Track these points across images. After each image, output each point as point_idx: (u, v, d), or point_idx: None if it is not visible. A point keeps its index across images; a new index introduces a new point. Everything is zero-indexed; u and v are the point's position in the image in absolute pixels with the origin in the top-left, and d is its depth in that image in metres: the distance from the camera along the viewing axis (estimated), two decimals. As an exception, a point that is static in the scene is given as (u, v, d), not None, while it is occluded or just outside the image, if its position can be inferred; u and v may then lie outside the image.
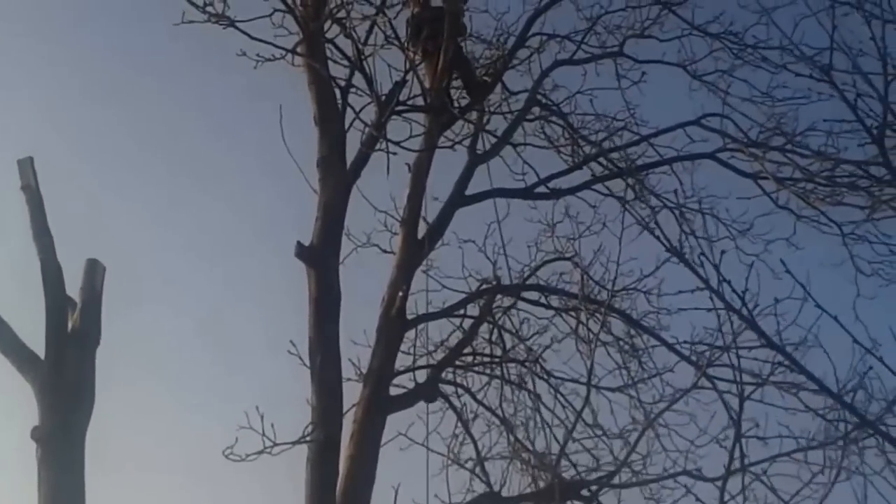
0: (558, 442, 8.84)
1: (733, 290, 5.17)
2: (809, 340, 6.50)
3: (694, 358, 9.04)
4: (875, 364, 5.29)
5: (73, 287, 7.37)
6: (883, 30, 5.95)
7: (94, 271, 7.51)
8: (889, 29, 6.30)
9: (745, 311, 5.18)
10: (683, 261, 5.37)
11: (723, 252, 5.21)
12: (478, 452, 9.12)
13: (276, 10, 8.90)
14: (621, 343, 9.57)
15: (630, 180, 9.77)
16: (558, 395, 9.33)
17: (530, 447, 9.04)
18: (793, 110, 9.78)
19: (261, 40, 8.75)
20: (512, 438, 9.26)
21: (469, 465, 9.07)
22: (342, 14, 9.12)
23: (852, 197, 9.35)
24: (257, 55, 8.81)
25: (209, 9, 8.58)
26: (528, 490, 8.72)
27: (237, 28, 8.66)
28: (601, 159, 10.04)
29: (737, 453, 5.91)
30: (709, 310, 7.50)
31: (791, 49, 8.95)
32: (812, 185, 9.44)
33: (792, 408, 8.43)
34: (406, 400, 8.65)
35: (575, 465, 8.96)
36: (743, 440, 6.05)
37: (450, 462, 8.92)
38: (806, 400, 8.35)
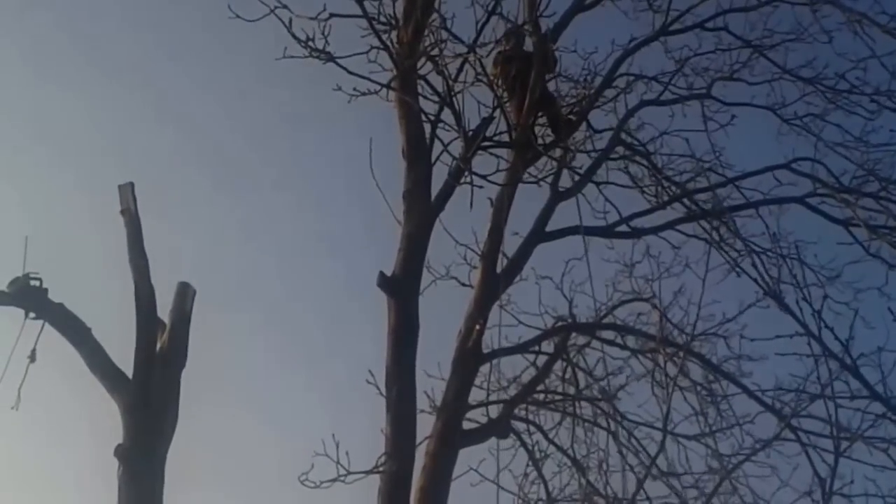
0: (632, 488, 8.92)
1: (836, 337, 5.27)
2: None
3: (778, 407, 9.09)
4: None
5: (165, 309, 7.88)
6: None
7: (185, 294, 8.03)
8: None
9: (847, 359, 5.21)
10: (781, 304, 5.42)
11: (825, 297, 5.31)
12: (548, 493, 9.38)
13: (372, 48, 9.38)
14: (699, 388, 9.60)
15: (715, 222, 9.99)
16: (632, 439, 9.48)
17: (602, 491, 9.19)
18: (888, 156, 9.93)
19: (358, 75, 9.24)
20: (583, 481, 9.41)
21: (539, 505, 9.21)
22: (435, 52, 9.53)
23: None
24: (354, 89, 9.33)
25: (311, 44, 9.07)
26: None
27: (336, 63, 9.16)
28: (685, 200, 10.22)
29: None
30: (802, 355, 7.33)
31: (888, 97, 9.74)
32: None
33: (881, 465, 8.25)
34: (478, 435, 8.96)
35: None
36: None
37: (520, 501, 9.16)
38: (896, 456, 8.33)
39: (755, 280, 5.94)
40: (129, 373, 7.73)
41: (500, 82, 9.87)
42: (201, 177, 15.38)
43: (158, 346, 7.85)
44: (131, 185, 8.05)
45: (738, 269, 9.58)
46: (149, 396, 7.66)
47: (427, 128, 9.45)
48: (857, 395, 7.10)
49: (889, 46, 9.63)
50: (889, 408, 5.95)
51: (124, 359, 7.75)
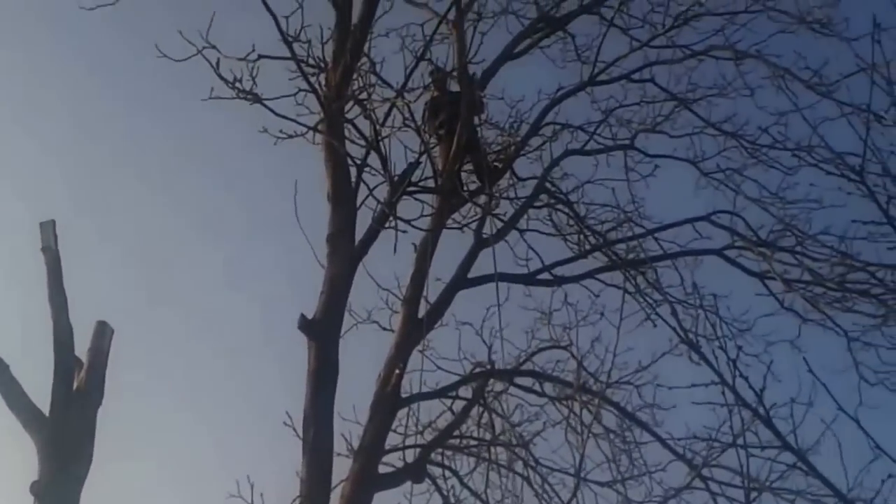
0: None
1: (750, 387, 5.22)
2: (818, 444, 6.21)
3: (689, 456, 9.36)
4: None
5: (83, 347, 7.99)
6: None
7: (103, 333, 8.10)
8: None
9: (761, 410, 5.20)
10: (697, 351, 5.45)
11: (740, 347, 5.31)
12: None
13: (300, 90, 9.56)
14: (612, 436, 9.84)
15: (633, 272, 10.30)
16: (546, 485, 9.70)
17: None
18: (804, 212, 10.27)
19: (285, 117, 9.39)
20: None
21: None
22: (363, 96, 9.71)
23: (863, 304, 9.72)
24: (280, 131, 9.46)
25: (238, 85, 9.20)
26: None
27: (263, 105, 9.30)
28: (605, 250, 10.59)
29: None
30: (716, 405, 7.19)
31: (807, 152, 10.00)
32: (822, 290, 9.83)
33: None
34: (394, 479, 9.14)
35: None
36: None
37: None
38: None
39: (672, 328, 6.19)
40: (46, 410, 7.78)
41: (427, 128, 10.17)
42: (122, 216, 15.50)
43: (76, 384, 7.89)
44: (53, 222, 8.12)
45: (653, 317, 9.84)
46: (65, 434, 7.68)
47: (353, 172, 9.58)
48: (767, 446, 6.91)
49: (810, 101, 9.92)
50: (800, 458, 5.64)
51: (41, 396, 7.80)
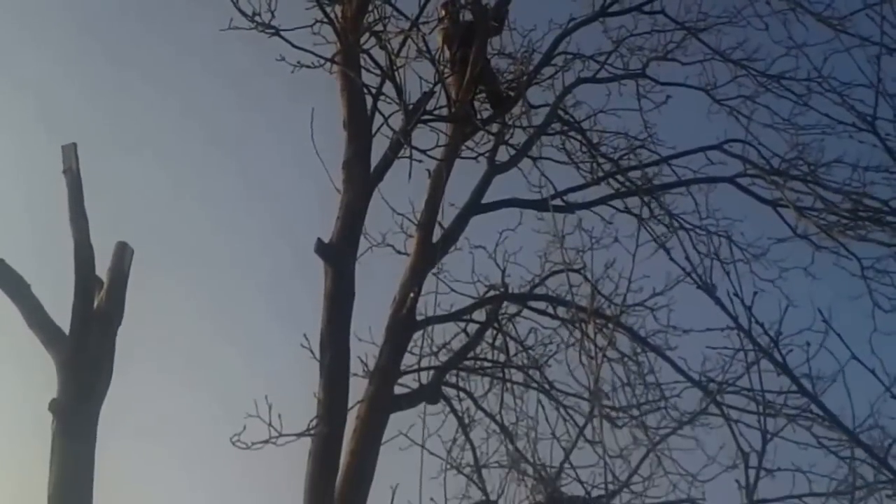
0: (559, 456, 9.25)
1: (766, 333, 5.29)
2: (831, 377, 6.18)
3: (704, 382, 9.33)
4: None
5: (103, 268, 8.08)
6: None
7: (123, 254, 8.22)
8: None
9: (777, 355, 5.29)
10: (713, 297, 5.36)
11: (755, 293, 5.26)
12: (476, 459, 9.58)
13: (317, 21, 9.65)
14: (626, 360, 9.78)
15: (646, 198, 10.33)
16: (560, 409, 9.75)
17: (530, 459, 9.35)
18: (818, 140, 10.18)
19: (303, 48, 9.50)
20: (511, 447, 9.60)
21: (467, 471, 9.53)
22: (379, 27, 9.84)
23: (876, 232, 9.68)
24: (297, 62, 9.57)
25: (257, 18, 9.33)
26: (526, 502, 9.00)
27: (282, 37, 9.42)
28: (618, 177, 10.60)
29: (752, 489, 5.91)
30: (732, 349, 7.74)
31: (819, 82, 9.73)
32: (834, 218, 9.80)
33: (804, 443, 8.63)
34: (409, 400, 9.21)
35: (578, 481, 9.22)
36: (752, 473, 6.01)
37: (448, 466, 9.35)
38: (820, 435, 8.59)
39: (686, 271, 6.02)
40: (67, 329, 7.86)
41: (442, 57, 10.17)
42: (142, 140, 15.43)
43: (95, 303, 7.98)
44: (74, 145, 8.20)
45: (665, 247, 9.63)
46: (84, 353, 7.77)
47: (368, 101, 9.67)
48: (782, 374, 7.29)
49: (824, 35, 9.67)
50: (813, 401, 5.85)
51: (62, 315, 7.90)
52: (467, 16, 10.52)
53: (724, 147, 10.45)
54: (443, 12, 10.51)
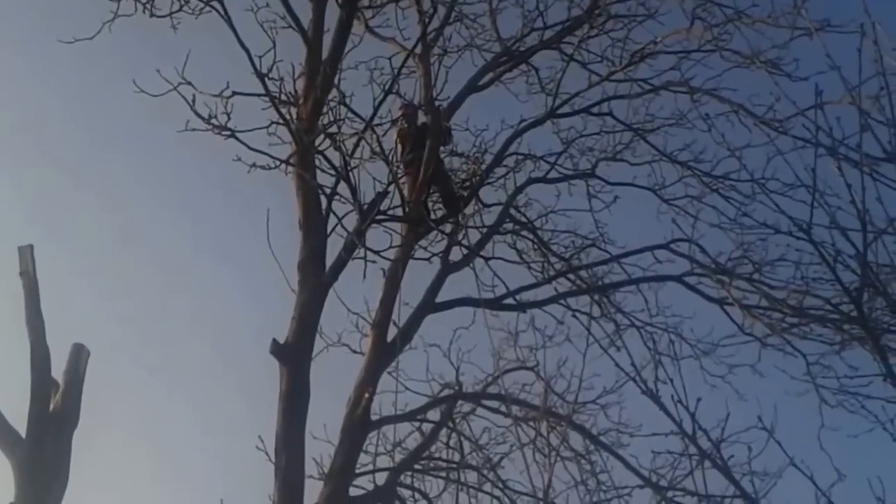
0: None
1: (709, 440, 5.27)
2: (775, 474, 6.21)
3: (655, 479, 9.38)
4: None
5: (59, 370, 8.10)
6: (862, 180, 5.65)
7: (79, 356, 8.25)
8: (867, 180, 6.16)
9: (718, 459, 5.26)
10: (658, 403, 5.38)
11: (698, 399, 5.25)
12: None
13: (273, 122, 9.76)
14: (579, 459, 9.79)
15: (597, 297, 10.45)
16: None
17: None
18: (761, 239, 10.09)
19: (258, 151, 9.61)
20: None
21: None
22: (334, 129, 9.92)
23: (820, 329, 9.75)
24: (253, 163, 9.66)
25: (213, 121, 9.43)
26: None
27: (237, 139, 9.51)
28: (570, 275, 10.76)
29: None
30: (676, 454, 7.84)
31: (762, 184, 9.43)
32: (780, 315, 9.90)
33: None
34: (364, 502, 9.26)
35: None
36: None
37: None
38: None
39: (630, 377, 6.12)
40: (23, 432, 7.85)
41: (396, 158, 10.34)
42: (100, 237, 15.83)
43: (52, 405, 7.99)
44: (31, 247, 8.27)
45: (609, 353, 9.68)
46: (41, 455, 7.77)
47: (323, 201, 9.76)
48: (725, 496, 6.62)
49: (765, 137, 9.92)
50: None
51: (18, 418, 7.90)
52: (421, 119, 10.70)
53: (671, 246, 10.62)
54: (400, 113, 10.68)
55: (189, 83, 9.26)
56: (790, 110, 9.42)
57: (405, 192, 10.29)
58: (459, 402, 10.21)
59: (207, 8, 9.78)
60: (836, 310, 9.25)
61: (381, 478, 9.53)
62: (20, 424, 7.91)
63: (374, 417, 9.57)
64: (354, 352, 10.09)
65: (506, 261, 10.89)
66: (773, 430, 5.30)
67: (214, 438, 14.96)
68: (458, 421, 10.24)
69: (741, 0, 10.61)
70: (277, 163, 9.80)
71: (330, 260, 9.62)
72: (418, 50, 10.39)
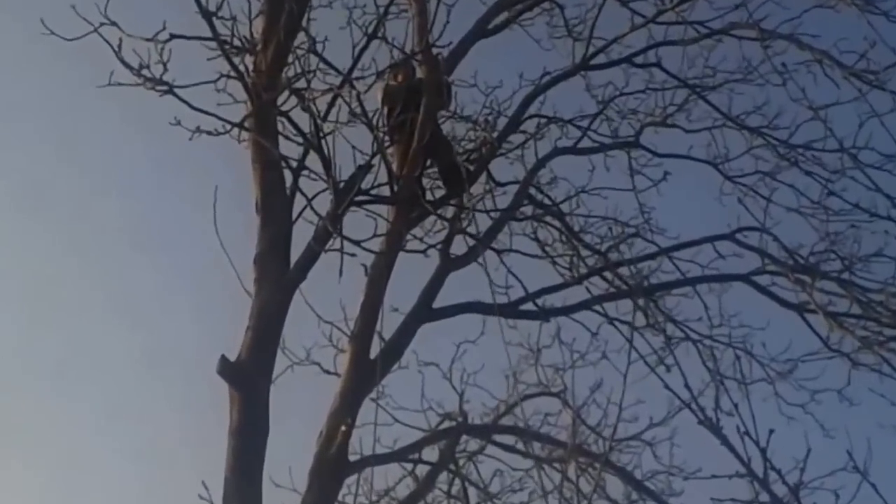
0: None
1: (784, 483, 4.68)
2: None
3: None
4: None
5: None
6: None
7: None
8: None
9: None
10: (719, 436, 4.68)
11: (771, 432, 4.63)
12: None
13: (222, 75, 8.84)
14: None
15: (641, 301, 9.75)
16: None
17: None
18: (853, 227, 9.60)
19: (203, 111, 8.65)
20: None
21: None
22: (301, 84, 8.91)
23: None
24: (197, 127, 8.73)
25: (145, 72, 8.55)
26: None
27: (176, 95, 8.59)
28: (606, 274, 9.93)
29: None
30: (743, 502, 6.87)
31: (854, 154, 9.25)
32: (876, 326, 9.26)
33: None
34: (341, 571, 8.51)
35: None
36: None
37: None
38: None
39: (685, 404, 5.39)
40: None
41: (381, 122, 9.18)
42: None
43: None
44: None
45: (657, 371, 9.06)
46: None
47: (288, 177, 8.82)
48: None
49: (857, 94, 9.21)
50: None
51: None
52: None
53: (737, 237, 9.79)
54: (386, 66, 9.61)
55: (114, 23, 8.35)
56: (888, 59, 9.22)
57: (393, 165, 9.09)
58: (464, 437, 9.45)
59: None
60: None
61: (362, 537, 8.64)
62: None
63: (352, 457, 8.58)
64: (327, 372, 9.29)
65: (524, 255, 10.01)
66: (867, 471, 4.76)
67: (144, 483, 13.44)
68: (462, 462, 9.51)
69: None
70: (228, 127, 8.75)
71: (296, 253, 8.58)
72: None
